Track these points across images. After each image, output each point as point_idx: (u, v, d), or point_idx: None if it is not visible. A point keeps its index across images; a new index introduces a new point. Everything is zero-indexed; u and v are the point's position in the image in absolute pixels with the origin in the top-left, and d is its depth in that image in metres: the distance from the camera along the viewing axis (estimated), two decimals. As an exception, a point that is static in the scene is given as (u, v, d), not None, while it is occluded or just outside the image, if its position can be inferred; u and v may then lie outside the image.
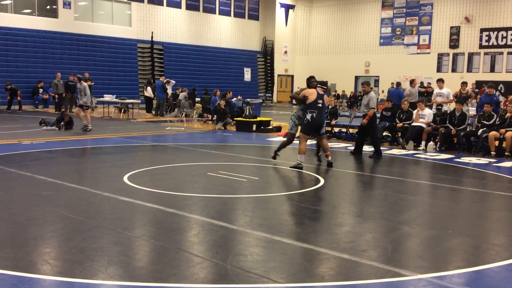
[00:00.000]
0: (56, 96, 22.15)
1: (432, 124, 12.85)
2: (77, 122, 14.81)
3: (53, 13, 25.97)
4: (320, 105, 9.40)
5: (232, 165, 9.74)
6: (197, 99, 22.59)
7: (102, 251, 4.51)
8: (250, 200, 6.79)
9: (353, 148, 11.80)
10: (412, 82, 16.27)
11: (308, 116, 9.41)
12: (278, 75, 37.16)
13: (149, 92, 21.99)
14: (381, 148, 11.82)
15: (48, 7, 26.00)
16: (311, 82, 9.73)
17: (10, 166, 8.65)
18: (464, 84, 15.09)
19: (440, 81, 14.53)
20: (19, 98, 21.36)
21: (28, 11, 25.25)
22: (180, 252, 4.57)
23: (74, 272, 4.00)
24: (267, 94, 35.95)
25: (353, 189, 8.05)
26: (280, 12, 36.45)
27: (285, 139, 10.47)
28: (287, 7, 36.88)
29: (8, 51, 23.92)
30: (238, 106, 19.18)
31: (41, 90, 23.72)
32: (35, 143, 11.56)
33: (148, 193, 6.99)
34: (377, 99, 19.69)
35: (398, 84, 17.74)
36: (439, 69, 31.44)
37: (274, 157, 10.00)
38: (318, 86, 9.68)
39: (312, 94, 9.40)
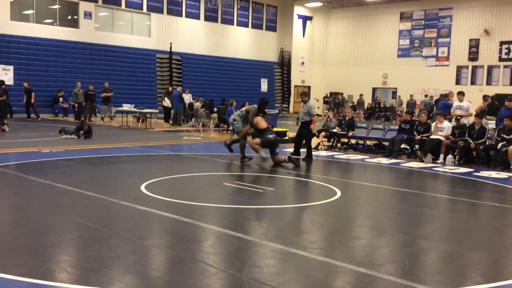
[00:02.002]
0: (76, 105, 22.43)
1: (450, 137, 12.72)
2: (96, 131, 14.96)
3: (74, 23, 26.40)
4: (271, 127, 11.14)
5: (248, 175, 9.74)
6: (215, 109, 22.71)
7: (118, 259, 4.53)
8: (265, 211, 6.77)
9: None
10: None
11: (271, 136, 10.90)
12: (295, 86, 37.18)
13: (167, 102, 22.17)
14: (399, 160, 12.01)
15: (69, 17, 26.44)
16: (263, 108, 11.52)
17: (29, 174, 8.77)
18: (486, 97, 14.96)
19: (460, 94, 14.40)
20: (32, 100, 21.51)
21: (50, 21, 25.70)
22: (195, 263, 4.57)
23: (91, 281, 4.02)
24: (283, 105, 35.98)
25: (370, 201, 7.99)
26: (297, 23, 36.56)
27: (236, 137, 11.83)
28: (305, 19, 36.99)
29: (30, 60, 24.34)
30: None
31: (61, 99, 24.07)
32: (54, 151, 11.70)
33: (165, 202, 7.02)
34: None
35: (445, 95, 17.58)
36: (458, 82, 31.17)
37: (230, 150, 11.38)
38: (259, 115, 11.24)
39: (261, 121, 11.04)
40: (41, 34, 24.83)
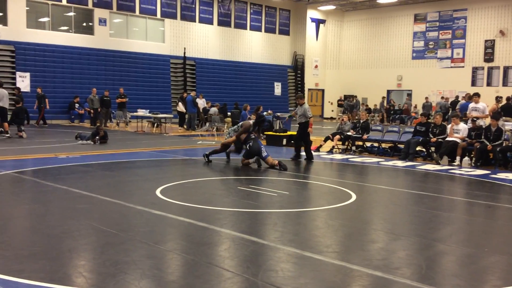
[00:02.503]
0: (92, 111, 22.65)
1: (467, 139, 12.59)
2: (111, 136, 15.07)
3: (89, 30, 26.69)
4: (253, 136, 11.48)
5: (262, 179, 9.75)
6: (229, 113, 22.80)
7: (135, 264, 4.56)
8: (280, 215, 6.77)
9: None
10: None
11: (247, 146, 11.32)
12: (309, 89, 37.13)
13: (180, 107, 22.29)
14: (415, 163, 12.09)
15: (84, 24, 26.74)
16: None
17: (46, 179, 8.87)
18: (499, 98, 14.80)
19: (476, 95, 14.27)
20: (47, 106, 21.61)
21: (65, 28, 26.02)
22: (211, 267, 4.58)
23: (107, 285, 4.06)
24: (297, 109, 35.89)
25: (385, 205, 7.94)
26: (310, 26, 36.53)
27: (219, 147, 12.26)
28: (318, 22, 36.95)
29: (46, 67, 24.65)
30: (268, 120, 19.22)
31: (77, 105, 24.34)
32: (70, 157, 11.83)
33: (180, 206, 7.05)
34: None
35: (470, 97, 17.44)
36: (473, 83, 30.88)
37: (207, 161, 11.59)
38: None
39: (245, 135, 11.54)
40: (57, 41, 25.15)
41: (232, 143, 11.86)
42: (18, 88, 21.43)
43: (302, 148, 12.86)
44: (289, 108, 34.61)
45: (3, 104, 15.61)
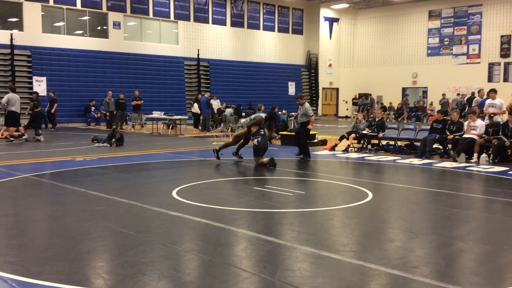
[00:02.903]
0: (107, 113, 22.85)
1: (484, 135, 12.45)
2: (127, 139, 15.17)
3: (104, 34, 26.93)
4: (262, 132, 11.64)
5: (277, 179, 9.74)
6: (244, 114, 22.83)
7: (152, 265, 4.59)
8: (296, 214, 6.76)
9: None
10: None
11: (255, 141, 11.47)
12: (323, 88, 37.03)
13: (195, 108, 22.38)
14: (432, 161, 12.04)
15: (98, 28, 26.99)
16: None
17: (64, 182, 8.96)
18: None
19: (493, 91, 14.09)
20: (53, 110, 21.51)
21: (80, 32, 26.29)
22: (228, 267, 4.59)
23: (126, 286, 4.08)
24: (312, 108, 35.79)
25: (402, 203, 7.87)
26: (324, 25, 36.43)
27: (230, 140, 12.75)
28: (331, 21, 36.82)
29: (62, 71, 24.93)
30: (282, 120, 19.21)
31: (93, 108, 24.57)
32: (87, 160, 11.94)
33: (196, 207, 7.08)
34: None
35: (488, 93, 17.24)
36: (490, 79, 30.51)
37: (217, 157, 11.93)
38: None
39: (256, 128, 11.70)
40: (72, 45, 25.43)
41: (244, 134, 12.02)
42: (36, 93, 21.69)
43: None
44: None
45: (15, 109, 15.78)
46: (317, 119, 33.46)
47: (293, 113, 22.52)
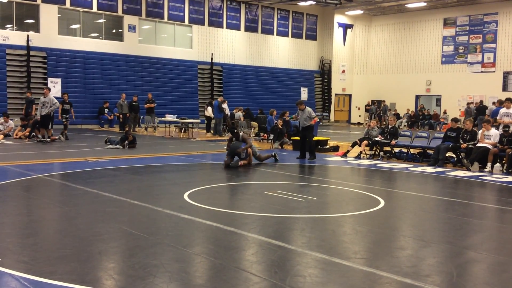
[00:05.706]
0: (121, 116, 22.98)
1: (498, 145, 12.33)
2: (140, 141, 15.24)
3: (119, 37, 27.15)
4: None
5: (289, 184, 9.73)
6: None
7: (163, 267, 4.60)
8: (308, 220, 6.74)
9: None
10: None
11: None
12: (336, 94, 36.96)
13: (209, 112, 22.45)
14: (445, 169, 12.04)
15: (114, 31, 27.21)
16: None
17: (77, 183, 9.03)
18: None
19: (508, 100, 13.95)
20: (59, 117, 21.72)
21: (95, 35, 26.53)
22: (238, 271, 4.59)
23: (136, 288, 4.11)
24: (324, 114, 35.79)
25: (415, 211, 7.82)
26: (338, 31, 36.39)
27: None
28: (345, 27, 36.78)
29: (76, 73, 25.17)
30: (294, 126, 19.18)
31: (106, 110, 24.75)
32: (100, 161, 12.02)
33: (207, 211, 7.09)
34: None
35: (501, 102, 17.13)
36: (505, 88, 30.24)
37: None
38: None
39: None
40: (87, 48, 25.65)
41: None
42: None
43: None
44: (316, 113, 34.51)
45: (49, 111, 16.05)
46: (329, 125, 33.43)
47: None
